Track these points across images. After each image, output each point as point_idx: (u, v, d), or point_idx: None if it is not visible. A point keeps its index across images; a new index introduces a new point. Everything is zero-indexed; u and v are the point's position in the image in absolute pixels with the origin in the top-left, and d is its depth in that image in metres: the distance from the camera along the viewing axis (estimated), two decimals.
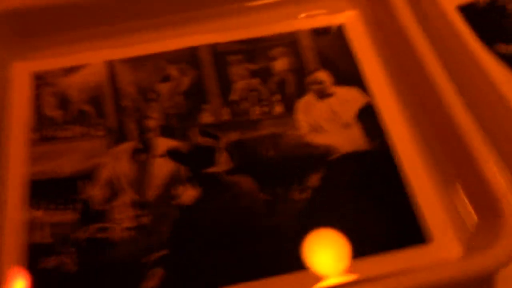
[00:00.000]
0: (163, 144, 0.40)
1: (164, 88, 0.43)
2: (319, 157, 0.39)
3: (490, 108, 0.38)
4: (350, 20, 0.46)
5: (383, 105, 0.41)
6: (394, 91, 0.42)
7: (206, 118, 0.41)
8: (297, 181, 0.37)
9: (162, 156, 0.39)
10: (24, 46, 0.45)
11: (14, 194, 0.37)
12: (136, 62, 0.44)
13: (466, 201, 0.36)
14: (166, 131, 0.40)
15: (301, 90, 0.42)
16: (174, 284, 0.34)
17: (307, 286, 0.33)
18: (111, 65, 0.44)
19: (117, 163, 0.39)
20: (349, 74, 0.43)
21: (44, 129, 0.41)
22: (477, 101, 0.38)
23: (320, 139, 0.40)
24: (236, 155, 0.39)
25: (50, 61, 0.44)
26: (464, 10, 0.43)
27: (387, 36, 0.44)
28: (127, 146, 0.40)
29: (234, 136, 0.40)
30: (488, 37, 0.41)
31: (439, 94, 0.38)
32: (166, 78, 0.43)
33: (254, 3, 0.47)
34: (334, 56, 0.44)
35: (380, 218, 0.36)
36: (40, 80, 0.43)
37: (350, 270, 0.34)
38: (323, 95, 0.42)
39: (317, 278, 0.33)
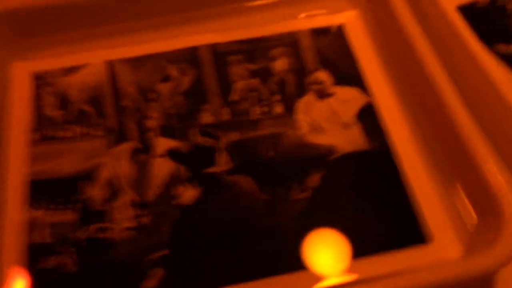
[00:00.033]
0: (163, 144, 0.40)
1: (164, 88, 0.43)
2: (319, 157, 0.39)
3: (490, 108, 0.38)
4: (350, 20, 0.46)
5: (383, 105, 0.41)
6: (394, 91, 0.42)
7: (206, 118, 0.41)
8: (297, 181, 0.37)
9: (162, 156, 0.39)
10: (24, 46, 0.45)
11: (14, 194, 0.37)
12: (136, 62, 0.44)
13: (466, 201, 0.36)
14: (166, 131, 0.40)
15: (301, 90, 0.42)
16: (174, 284, 0.34)
17: (307, 286, 0.33)
18: (111, 65, 0.44)
19: (117, 163, 0.39)
20: (349, 74, 0.43)
21: (44, 129, 0.41)
22: (477, 101, 0.38)
23: (320, 139, 0.40)
24: (236, 155, 0.39)
25: (50, 61, 0.44)
26: (464, 10, 0.43)
27: (387, 36, 0.44)
28: (127, 146, 0.40)
29: (234, 136, 0.40)
30: (488, 37, 0.41)
31: (439, 94, 0.38)
32: (166, 78, 0.43)
33: (254, 3, 0.47)
34: (334, 56, 0.44)
35: (380, 218, 0.36)
36: (40, 80, 0.43)
37: (350, 270, 0.34)
38: (323, 95, 0.42)
39: (317, 278, 0.33)
